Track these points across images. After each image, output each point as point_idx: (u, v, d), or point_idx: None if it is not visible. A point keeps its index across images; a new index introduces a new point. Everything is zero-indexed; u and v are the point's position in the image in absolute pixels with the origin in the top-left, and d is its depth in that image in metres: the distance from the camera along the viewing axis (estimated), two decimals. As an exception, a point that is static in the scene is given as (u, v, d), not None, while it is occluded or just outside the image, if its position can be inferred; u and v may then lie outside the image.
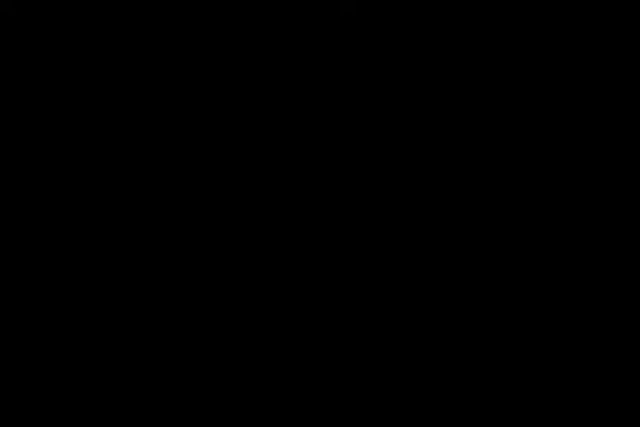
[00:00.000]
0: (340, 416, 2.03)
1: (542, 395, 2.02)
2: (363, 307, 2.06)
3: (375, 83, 2.10)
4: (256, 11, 2.12)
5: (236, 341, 2.06)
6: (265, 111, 2.11)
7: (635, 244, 2.04)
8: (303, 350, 2.06)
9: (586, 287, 2.04)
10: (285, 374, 2.05)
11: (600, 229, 2.05)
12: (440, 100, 2.10)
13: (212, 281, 2.08)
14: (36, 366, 2.06)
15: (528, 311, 2.04)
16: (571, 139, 2.08)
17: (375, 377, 2.04)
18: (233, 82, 2.12)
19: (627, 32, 2.08)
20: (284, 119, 2.11)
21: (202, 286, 2.08)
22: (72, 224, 2.09)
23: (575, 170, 2.07)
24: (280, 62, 2.11)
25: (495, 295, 2.05)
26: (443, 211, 2.08)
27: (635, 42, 2.07)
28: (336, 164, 2.10)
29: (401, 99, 2.10)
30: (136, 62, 2.12)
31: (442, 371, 2.04)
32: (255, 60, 2.12)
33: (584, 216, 2.06)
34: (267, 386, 2.05)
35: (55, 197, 2.10)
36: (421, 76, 2.10)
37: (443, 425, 2.02)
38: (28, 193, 2.10)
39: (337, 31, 2.11)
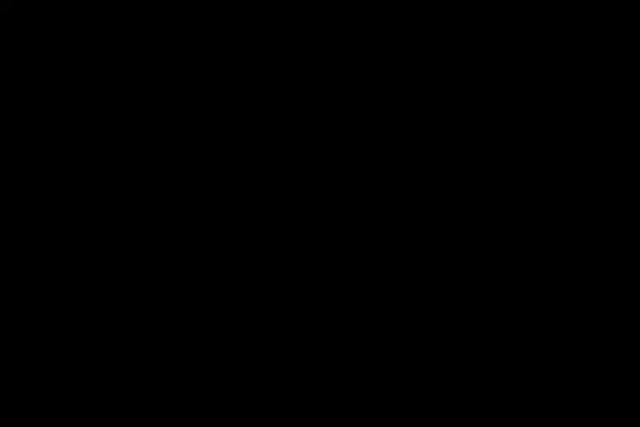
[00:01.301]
0: (340, 416, 2.03)
1: (542, 395, 2.02)
2: (363, 307, 2.06)
3: (372, 82, 2.11)
4: (254, 10, 2.12)
5: (236, 341, 2.06)
6: (262, 111, 2.11)
7: (635, 244, 2.04)
8: (303, 350, 2.06)
9: (586, 287, 2.04)
10: (285, 375, 2.05)
11: (600, 229, 2.05)
12: (436, 101, 2.10)
13: (212, 281, 2.08)
14: (36, 366, 2.06)
15: (528, 311, 2.04)
16: (571, 139, 2.08)
17: (375, 377, 2.04)
18: (231, 82, 2.12)
19: (627, 32, 2.08)
20: (282, 118, 2.11)
21: (202, 286, 2.08)
22: (72, 224, 2.09)
23: (575, 170, 2.07)
24: (271, 60, 2.12)
25: (495, 295, 2.05)
26: (443, 210, 2.08)
27: (635, 42, 2.07)
28: (326, 165, 2.10)
29: (397, 99, 2.10)
30: (136, 62, 2.12)
31: (442, 371, 2.04)
32: (252, 59, 2.12)
33: (584, 216, 2.06)
34: (267, 386, 2.05)
35: (55, 196, 2.10)
36: (418, 76, 2.10)
37: (443, 425, 2.02)
38: (28, 193, 2.10)
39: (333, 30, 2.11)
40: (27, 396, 2.05)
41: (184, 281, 2.08)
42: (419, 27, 2.11)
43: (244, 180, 2.10)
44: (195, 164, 2.11)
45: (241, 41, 2.12)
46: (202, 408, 2.05)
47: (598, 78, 2.08)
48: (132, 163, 2.11)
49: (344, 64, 2.11)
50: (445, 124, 2.09)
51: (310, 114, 2.11)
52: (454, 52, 2.10)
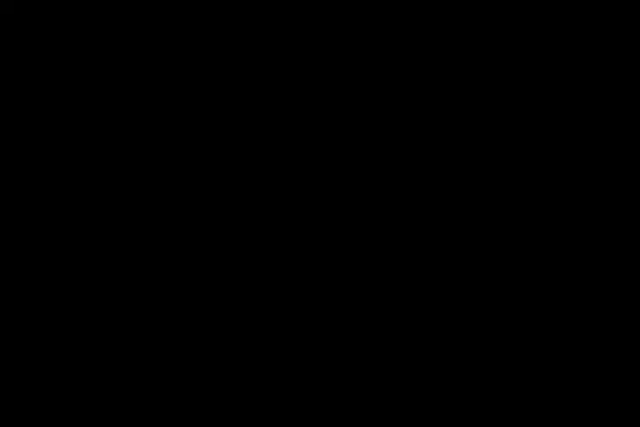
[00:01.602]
0: (340, 416, 2.03)
1: (542, 395, 2.02)
2: (363, 307, 2.06)
3: (369, 84, 2.11)
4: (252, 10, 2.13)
5: (236, 341, 2.06)
6: (262, 111, 2.12)
7: (635, 244, 2.04)
8: (303, 350, 2.06)
9: (586, 287, 2.04)
10: (285, 375, 2.05)
11: (600, 229, 2.05)
12: (436, 101, 2.10)
13: (212, 281, 2.08)
14: (36, 367, 2.06)
15: (528, 311, 2.04)
16: (570, 139, 2.08)
17: (375, 377, 2.04)
18: (229, 82, 2.12)
19: (627, 32, 2.08)
20: (281, 119, 2.11)
21: (202, 286, 2.08)
22: (72, 224, 2.10)
23: (575, 170, 2.07)
24: (271, 60, 2.12)
25: (495, 295, 2.05)
26: (443, 211, 2.08)
27: (635, 42, 2.08)
28: (326, 165, 2.10)
29: (396, 99, 2.10)
30: (136, 62, 2.12)
31: (442, 371, 2.04)
32: (251, 59, 2.12)
33: (584, 216, 2.06)
34: (267, 386, 2.05)
35: (55, 197, 2.10)
36: (414, 77, 2.10)
37: (443, 425, 2.02)
38: (28, 193, 2.10)
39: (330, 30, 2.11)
40: (27, 396, 2.05)
41: (184, 280, 2.08)
42: (419, 27, 2.11)
43: (243, 179, 2.10)
44: (194, 163, 2.11)
45: (241, 41, 2.12)
46: (202, 408, 2.05)
47: (598, 78, 2.08)
48: (131, 162, 2.11)
49: (344, 64, 2.11)
50: (445, 124, 2.09)
51: (310, 114, 2.11)
52: (454, 53, 2.10)
